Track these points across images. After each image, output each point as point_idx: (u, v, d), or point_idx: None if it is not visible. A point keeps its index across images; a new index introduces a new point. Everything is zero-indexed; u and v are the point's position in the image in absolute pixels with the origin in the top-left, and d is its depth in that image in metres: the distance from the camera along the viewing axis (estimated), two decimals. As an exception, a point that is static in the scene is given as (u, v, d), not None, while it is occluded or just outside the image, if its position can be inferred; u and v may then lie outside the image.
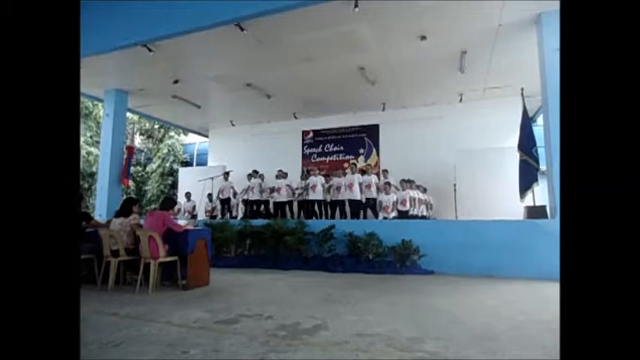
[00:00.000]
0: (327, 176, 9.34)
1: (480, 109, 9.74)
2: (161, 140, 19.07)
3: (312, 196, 8.77)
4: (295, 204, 9.39)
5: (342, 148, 11.58)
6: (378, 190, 8.47)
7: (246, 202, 9.89)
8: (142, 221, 5.09)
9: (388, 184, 8.39)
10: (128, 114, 10.61)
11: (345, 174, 8.65)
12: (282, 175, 9.25)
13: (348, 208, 8.67)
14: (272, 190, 9.46)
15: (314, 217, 8.77)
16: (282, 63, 7.70)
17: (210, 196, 10.44)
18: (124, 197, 8.90)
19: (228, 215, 9.82)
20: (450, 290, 4.54)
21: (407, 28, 6.30)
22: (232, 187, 9.91)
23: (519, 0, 5.52)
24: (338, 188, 8.56)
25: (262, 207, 9.64)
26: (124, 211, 5.12)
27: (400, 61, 7.59)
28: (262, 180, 9.62)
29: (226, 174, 10.16)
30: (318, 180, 8.78)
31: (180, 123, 12.99)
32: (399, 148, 10.59)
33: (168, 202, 5.19)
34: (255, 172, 9.76)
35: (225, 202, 9.99)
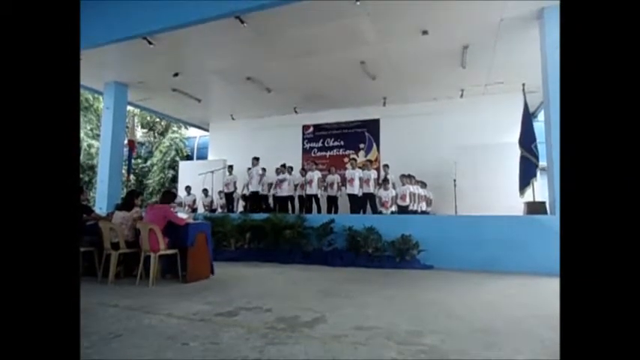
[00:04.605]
0: (327, 171, 9.38)
1: (481, 105, 9.71)
2: (162, 134, 19.06)
3: (309, 191, 8.87)
4: (296, 199, 9.40)
5: (342, 142, 11.56)
6: (378, 185, 8.50)
7: (245, 197, 9.86)
8: (142, 214, 5.10)
9: (386, 180, 8.42)
10: (129, 107, 10.58)
11: (336, 171, 9.03)
12: (282, 170, 9.26)
13: (346, 204, 8.73)
14: (271, 185, 9.47)
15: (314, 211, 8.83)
16: (283, 57, 7.66)
17: (205, 191, 10.43)
18: (126, 190, 8.92)
19: (234, 208, 9.82)
20: (449, 285, 4.56)
21: (408, 22, 6.26)
22: (236, 182, 9.91)
23: (522, -5, 5.49)
24: (332, 185, 8.73)
25: (263, 204, 9.63)
26: (127, 204, 5.13)
27: (401, 55, 7.55)
28: (264, 173, 9.58)
29: (230, 167, 10.14)
30: (315, 175, 8.86)
31: (181, 116, 12.97)
32: (399, 143, 10.57)
33: (169, 195, 5.21)
34: (257, 159, 9.47)
35: (230, 196, 9.99)
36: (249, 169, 9.62)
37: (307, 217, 6.95)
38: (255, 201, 9.31)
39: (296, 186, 9.23)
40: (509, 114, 8.58)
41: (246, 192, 9.72)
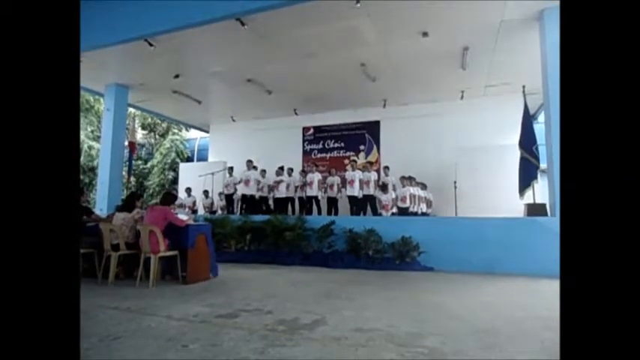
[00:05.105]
0: (327, 172, 9.39)
1: (481, 107, 9.71)
2: (162, 136, 19.09)
3: (309, 193, 8.89)
4: (296, 201, 9.40)
5: (342, 144, 11.56)
6: (378, 187, 8.51)
7: (244, 197, 9.83)
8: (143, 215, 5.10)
9: (385, 185, 8.43)
10: (130, 108, 10.60)
11: (336, 172, 9.06)
12: (280, 172, 9.27)
13: (346, 206, 8.73)
14: (271, 188, 9.47)
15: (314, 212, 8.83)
16: (283, 58, 7.68)
17: (205, 192, 10.44)
18: (126, 192, 8.93)
19: (234, 210, 9.80)
20: (450, 286, 4.55)
21: (409, 24, 6.27)
22: (236, 183, 9.91)
23: (522, -4, 5.50)
24: (332, 186, 8.75)
25: (263, 205, 9.62)
26: (128, 206, 5.13)
27: (401, 57, 7.55)
28: (263, 176, 9.58)
29: (230, 169, 10.15)
30: (315, 176, 8.87)
31: (181, 118, 13.00)
32: (399, 145, 10.57)
33: (169, 197, 5.21)
34: (250, 161, 9.51)
35: (231, 197, 9.99)
36: (247, 166, 9.59)
37: (307, 219, 6.95)
38: (252, 204, 9.30)
39: (296, 187, 9.24)
40: (509, 116, 8.57)
41: (242, 193, 9.67)
